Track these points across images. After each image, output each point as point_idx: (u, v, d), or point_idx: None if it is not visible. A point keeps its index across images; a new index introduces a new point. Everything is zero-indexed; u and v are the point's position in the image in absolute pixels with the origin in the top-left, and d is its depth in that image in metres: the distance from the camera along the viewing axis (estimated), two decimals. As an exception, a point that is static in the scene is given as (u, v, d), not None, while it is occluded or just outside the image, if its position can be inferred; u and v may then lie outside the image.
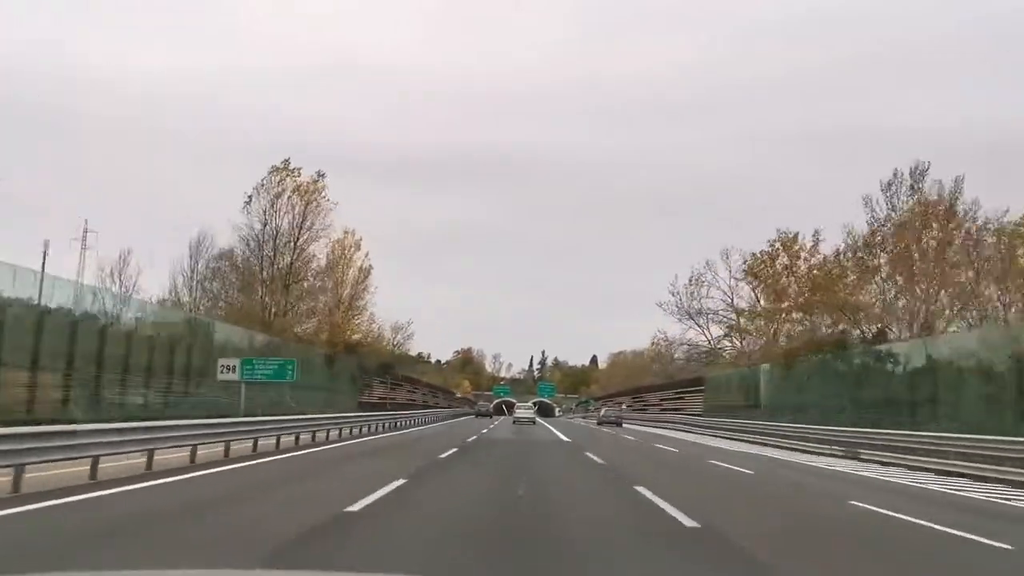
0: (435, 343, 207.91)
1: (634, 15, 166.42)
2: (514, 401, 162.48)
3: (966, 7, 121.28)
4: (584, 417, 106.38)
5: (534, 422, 57.09)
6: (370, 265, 47.32)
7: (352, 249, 45.77)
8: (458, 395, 76.57)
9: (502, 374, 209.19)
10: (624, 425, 56.99)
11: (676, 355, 60.46)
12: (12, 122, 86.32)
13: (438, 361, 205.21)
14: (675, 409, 52.85)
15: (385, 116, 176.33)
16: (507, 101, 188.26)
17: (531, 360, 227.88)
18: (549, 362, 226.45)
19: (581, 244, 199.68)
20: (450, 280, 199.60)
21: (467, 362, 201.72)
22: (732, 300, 53.07)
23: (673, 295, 56.59)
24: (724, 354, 52.96)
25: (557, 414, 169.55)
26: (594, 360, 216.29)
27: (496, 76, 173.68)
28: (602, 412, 70.47)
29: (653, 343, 59.38)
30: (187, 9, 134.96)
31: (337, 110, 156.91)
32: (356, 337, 47.20)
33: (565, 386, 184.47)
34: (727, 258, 54.50)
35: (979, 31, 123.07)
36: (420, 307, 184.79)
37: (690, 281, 56.05)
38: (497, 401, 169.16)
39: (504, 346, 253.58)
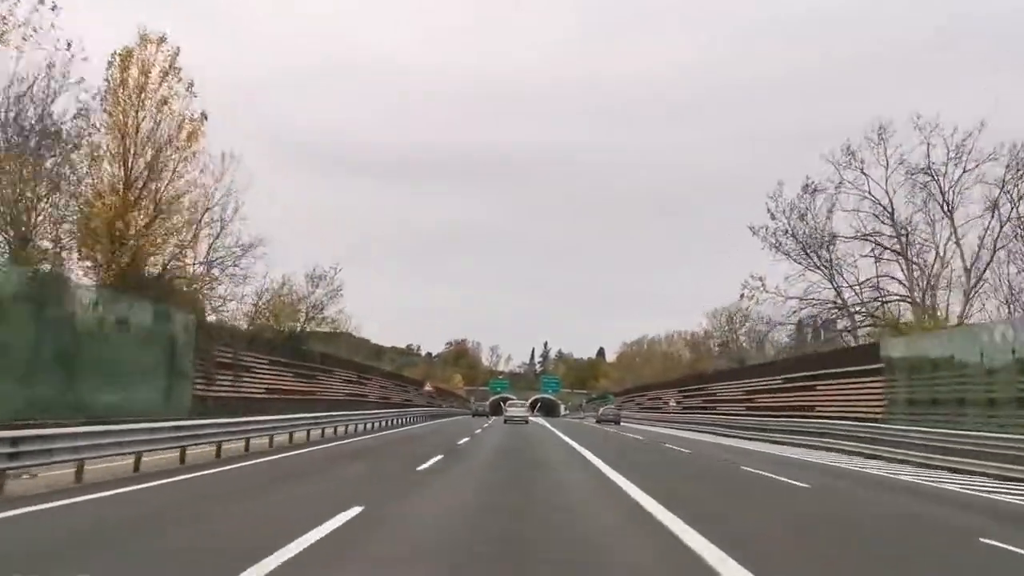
0: (434, 340, 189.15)
1: (634, 15, 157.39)
2: (513, 397, 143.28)
3: (966, 7, 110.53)
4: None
5: (527, 421, 50.29)
6: (203, 115, 24.31)
7: (159, 73, 22.16)
8: (427, 388, 52.52)
9: (500, 368, 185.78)
10: (623, 423, 52.92)
11: (779, 314, 36.71)
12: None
13: (428, 354, 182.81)
14: (789, 409, 29.58)
15: (385, 116, 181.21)
16: (507, 101, 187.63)
17: (532, 353, 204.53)
18: (552, 355, 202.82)
19: (581, 244, 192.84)
20: (450, 280, 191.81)
21: (461, 355, 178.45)
22: (892, 212, 30.14)
23: (773, 217, 33.65)
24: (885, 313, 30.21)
25: (563, 412, 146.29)
26: (601, 353, 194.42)
27: (496, 76, 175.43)
28: (600, 410, 68.50)
29: (745, 294, 36.34)
30: (188, 8, 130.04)
31: (337, 110, 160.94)
32: (165, 260, 23.58)
33: (570, 380, 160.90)
34: (882, 140, 31.34)
35: (979, 31, 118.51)
36: (419, 306, 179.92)
37: (805, 191, 33.09)
38: (494, 398, 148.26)
39: (503, 341, 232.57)
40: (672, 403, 48.20)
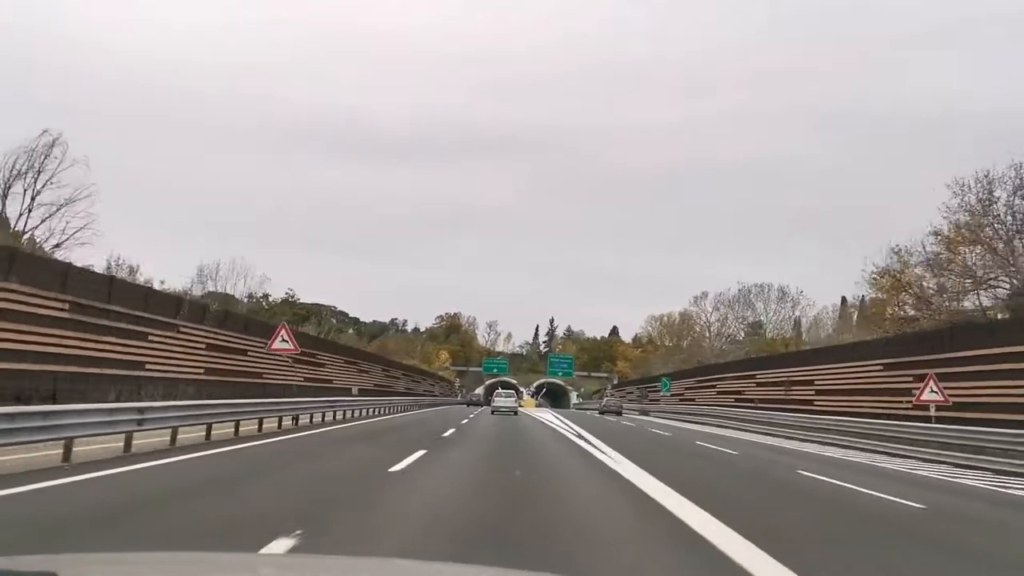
0: (429, 319, 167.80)
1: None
2: (514, 381, 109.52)
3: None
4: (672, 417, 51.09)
5: (516, 412, 44.54)
6: None
7: None
8: (278, 342, 20.83)
9: (499, 348, 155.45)
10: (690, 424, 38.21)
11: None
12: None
13: (416, 329, 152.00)
14: None
15: (398, 97, 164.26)
16: (522, 81, 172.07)
17: (536, 331, 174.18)
18: (560, 333, 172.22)
19: (587, 227, 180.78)
20: (451, 262, 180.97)
21: (453, 330, 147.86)
22: None
23: None
24: None
25: (574, 401, 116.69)
26: (615, 332, 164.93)
27: (504, 57, 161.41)
28: (603, 401, 67.47)
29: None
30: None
31: (351, 93, 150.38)
32: None
33: (583, 362, 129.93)
34: None
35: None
36: (427, 286, 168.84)
37: None
38: (490, 382, 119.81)
39: (505, 321, 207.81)
40: (931, 394, 17.91)
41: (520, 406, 77.19)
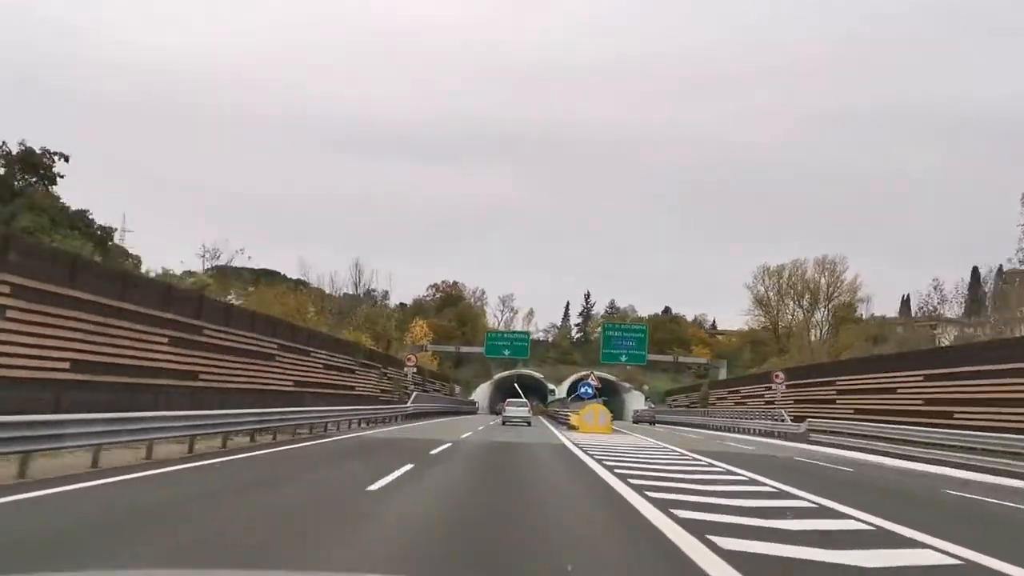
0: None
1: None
2: (537, 375, 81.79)
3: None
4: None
5: (529, 423, 38.62)
6: None
7: None
8: None
9: (516, 327, 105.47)
10: None
11: None
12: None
13: (401, 304, 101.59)
14: None
15: (416, 94, 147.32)
16: (539, 77, 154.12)
17: (566, 309, 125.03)
18: (599, 310, 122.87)
19: (611, 225, 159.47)
20: (470, 258, 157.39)
21: (450, 301, 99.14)
22: None
23: None
24: None
25: (639, 408, 68.48)
26: (667, 311, 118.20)
27: (529, 51, 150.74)
28: (635, 412, 62.57)
29: None
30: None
31: (368, 88, 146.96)
32: None
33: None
34: None
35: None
36: (439, 281, 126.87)
37: None
38: (501, 376, 79.75)
39: (527, 300, 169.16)
40: None
41: (573, 426, 31.97)
